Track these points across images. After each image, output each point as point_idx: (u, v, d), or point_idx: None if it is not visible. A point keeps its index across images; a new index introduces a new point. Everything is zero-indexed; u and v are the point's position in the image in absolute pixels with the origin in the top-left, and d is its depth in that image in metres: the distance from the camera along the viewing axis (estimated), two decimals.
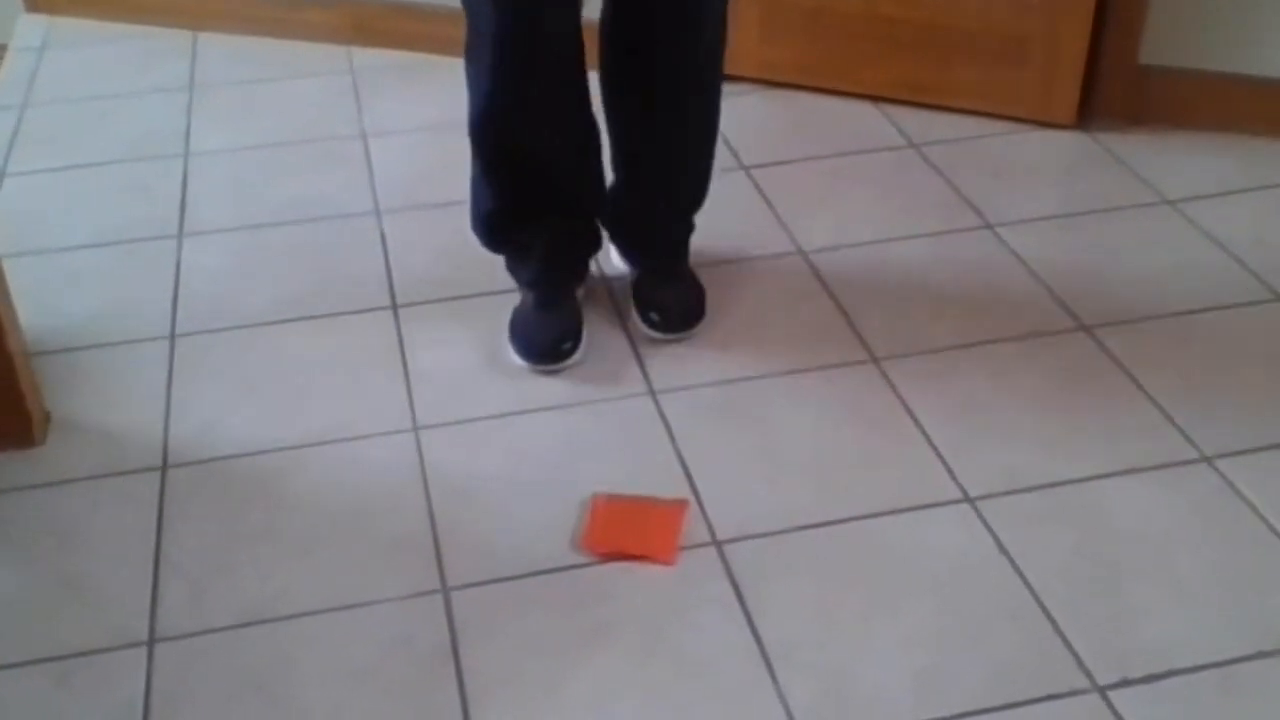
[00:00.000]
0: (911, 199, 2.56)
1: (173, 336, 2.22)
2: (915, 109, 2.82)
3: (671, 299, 2.19)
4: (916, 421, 2.00)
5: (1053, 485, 1.88)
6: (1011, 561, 1.76)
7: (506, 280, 2.25)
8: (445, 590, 1.74)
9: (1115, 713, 1.56)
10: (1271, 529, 1.80)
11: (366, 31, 3.12)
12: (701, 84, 2.10)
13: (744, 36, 2.89)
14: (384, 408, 2.05)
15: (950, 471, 1.90)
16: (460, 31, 1.96)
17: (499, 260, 2.23)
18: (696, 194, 2.21)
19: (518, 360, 2.10)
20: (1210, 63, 2.66)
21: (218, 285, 2.35)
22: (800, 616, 1.69)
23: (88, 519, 1.87)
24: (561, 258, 2.18)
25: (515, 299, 2.19)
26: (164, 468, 1.96)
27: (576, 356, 2.10)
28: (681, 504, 1.86)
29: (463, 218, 2.21)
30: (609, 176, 2.19)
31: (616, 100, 2.10)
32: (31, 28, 3.31)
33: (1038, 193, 2.60)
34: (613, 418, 2.00)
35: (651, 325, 2.15)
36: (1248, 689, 1.59)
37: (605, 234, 2.24)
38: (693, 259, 2.29)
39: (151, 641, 1.69)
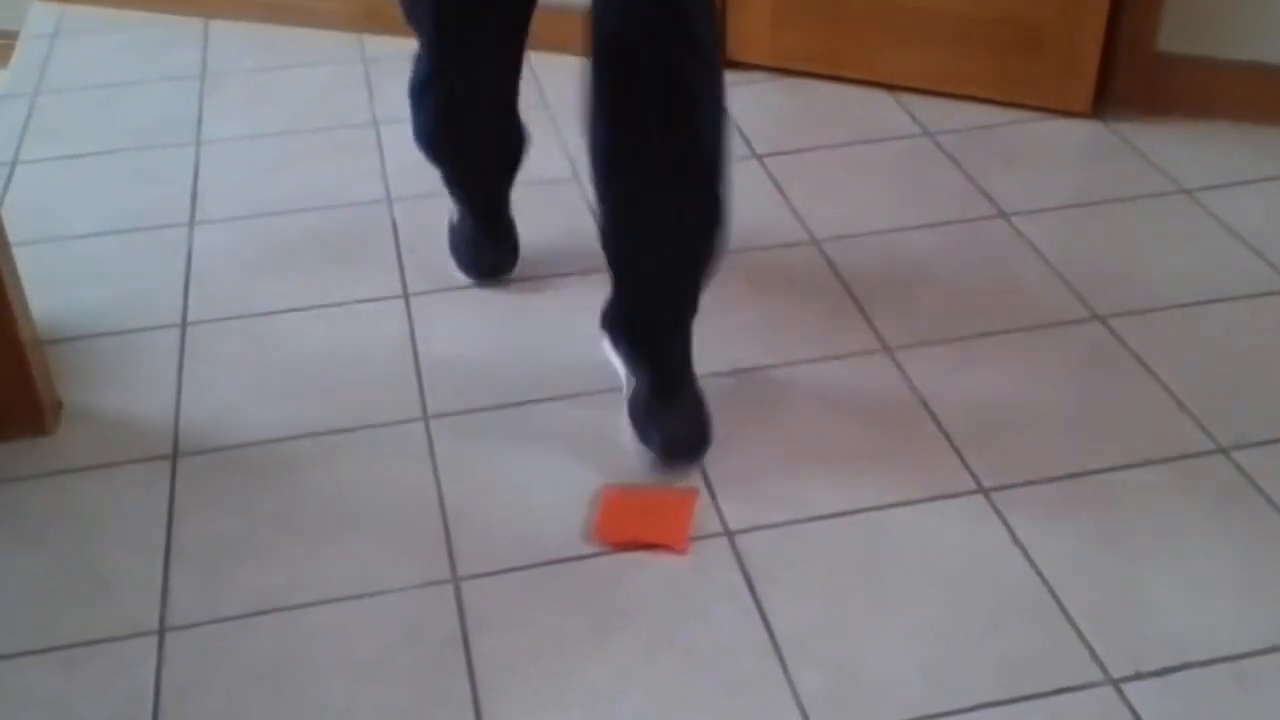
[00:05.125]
0: (925, 188, 2.54)
1: (184, 325, 2.22)
2: (930, 97, 2.81)
3: (676, 422, 1.90)
4: (930, 411, 1.99)
5: (1067, 476, 1.87)
6: (1025, 553, 1.75)
7: (519, 269, 2.27)
8: (456, 580, 1.74)
9: (1129, 705, 1.55)
10: None
11: (378, 19, 3.11)
12: (703, 165, 1.80)
13: (756, 24, 2.88)
14: (394, 396, 2.05)
15: (964, 462, 1.90)
16: None
17: None
18: (698, 290, 1.90)
19: (462, 277, 2.27)
20: (1228, 51, 2.64)
21: (229, 273, 2.35)
22: (812, 607, 1.69)
23: (99, 507, 1.87)
24: (491, 165, 2.23)
25: (528, 289, 2.19)
26: (175, 456, 1.95)
27: (517, 270, 2.28)
28: (692, 492, 1.85)
29: None
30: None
31: (612, 183, 1.81)
32: (43, 16, 3.31)
33: (1053, 182, 2.58)
34: (624, 407, 1.99)
35: (655, 451, 1.88)
36: (1262, 682, 1.58)
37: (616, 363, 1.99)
38: None
39: (162, 630, 1.69)
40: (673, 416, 1.90)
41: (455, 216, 2.31)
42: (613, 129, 1.75)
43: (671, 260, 1.86)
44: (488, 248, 2.28)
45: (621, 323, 1.95)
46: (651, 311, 1.93)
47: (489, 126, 2.15)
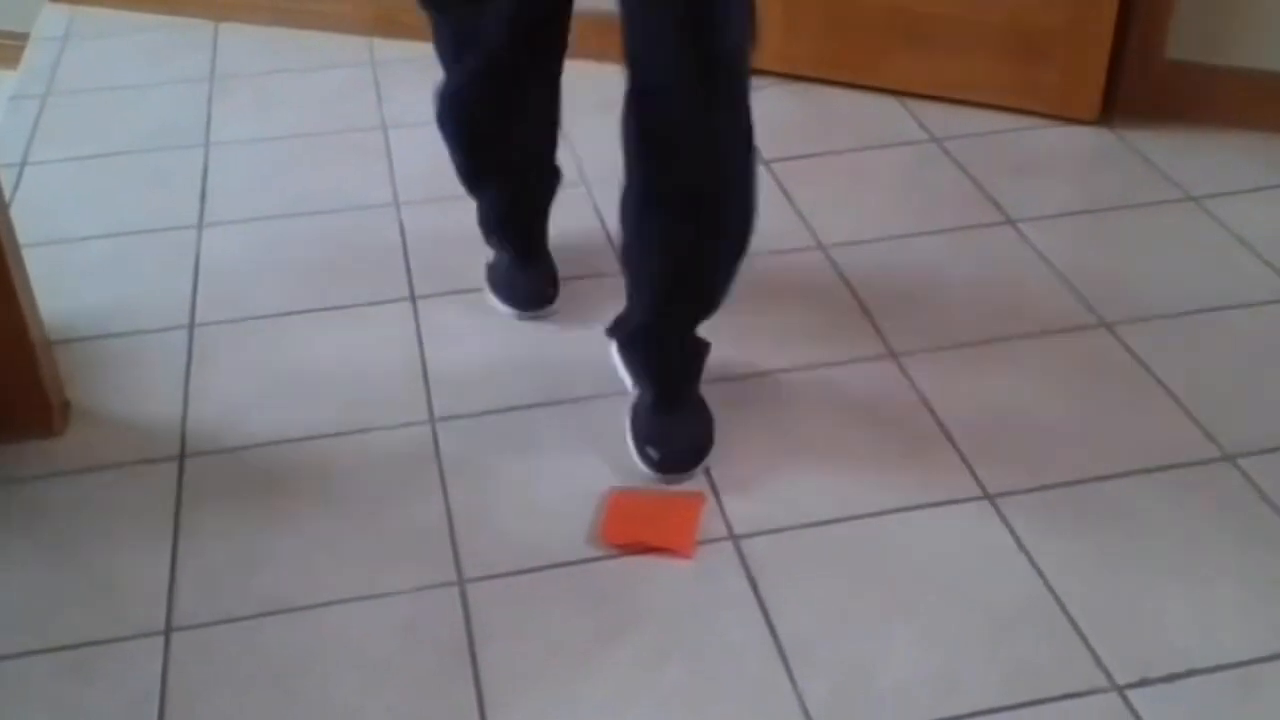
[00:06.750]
0: (933, 194, 2.54)
1: (192, 326, 2.23)
2: (938, 103, 2.81)
3: (673, 436, 1.91)
4: (936, 417, 1.99)
5: (1072, 483, 1.87)
6: (1030, 559, 1.75)
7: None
8: (461, 582, 1.74)
9: (1134, 712, 1.55)
10: None
11: (388, 23, 3.12)
12: (729, 178, 1.78)
13: (767, 30, 2.86)
14: (401, 399, 2.05)
15: (969, 468, 1.89)
16: None
17: None
18: (715, 304, 1.90)
19: (504, 309, 2.22)
20: (1236, 58, 2.64)
21: (237, 275, 2.35)
22: (817, 613, 1.69)
23: (106, 508, 1.87)
24: (521, 217, 2.22)
25: None
26: (182, 457, 1.96)
27: (558, 303, 2.21)
28: (698, 497, 1.85)
29: None
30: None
31: (643, 218, 1.82)
32: (54, 18, 3.32)
33: (1060, 188, 2.58)
34: (628, 414, 2.00)
35: (649, 463, 1.89)
36: (1268, 690, 1.58)
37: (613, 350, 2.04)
38: None
39: (168, 631, 1.69)
40: (671, 430, 1.91)
41: (492, 258, 2.28)
42: (645, 180, 1.77)
43: (690, 283, 1.86)
44: (531, 278, 2.23)
45: (633, 335, 1.96)
46: (665, 328, 1.92)
47: (539, 138, 2.11)
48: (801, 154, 2.67)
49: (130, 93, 2.99)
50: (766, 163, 2.64)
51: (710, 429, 1.94)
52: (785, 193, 2.54)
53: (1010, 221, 2.45)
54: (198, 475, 1.93)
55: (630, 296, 1.92)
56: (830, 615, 1.68)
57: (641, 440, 1.91)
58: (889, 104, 2.83)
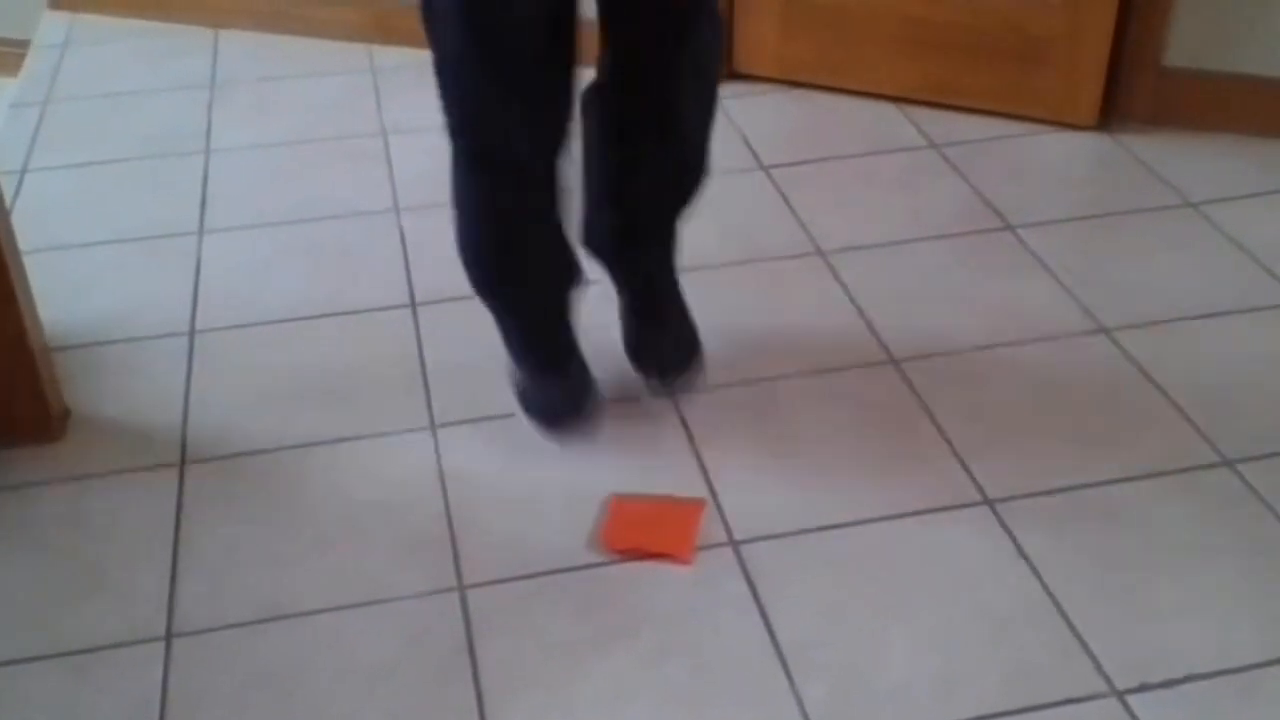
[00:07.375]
0: (931, 200, 2.55)
1: (192, 333, 2.23)
2: (936, 109, 2.81)
3: (668, 345, 2.05)
4: (935, 423, 1.99)
5: (1072, 488, 1.87)
6: (1030, 565, 1.75)
7: None
8: (461, 588, 1.74)
9: (1134, 717, 1.55)
10: None
11: (387, 29, 3.12)
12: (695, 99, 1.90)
13: (764, 35, 2.89)
14: (401, 405, 2.05)
15: (969, 474, 1.90)
16: None
17: None
18: (680, 216, 1.99)
19: (541, 433, 1.96)
20: (1235, 65, 2.64)
21: (237, 282, 2.35)
22: (817, 617, 1.69)
23: (107, 514, 1.88)
24: (548, 319, 1.98)
25: None
26: (182, 463, 1.96)
27: (598, 423, 1.96)
28: (699, 503, 1.85)
29: None
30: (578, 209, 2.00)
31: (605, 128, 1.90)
32: (54, 25, 3.32)
33: (1059, 194, 2.58)
34: (631, 417, 2.00)
35: (649, 377, 2.02)
36: (1268, 695, 1.58)
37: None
38: (710, 258, 2.28)
39: (169, 636, 1.69)
40: (659, 340, 2.03)
41: (517, 374, 2.01)
42: (614, 144, 1.89)
43: (662, 198, 1.97)
44: (566, 385, 1.97)
45: (609, 240, 2.01)
46: (642, 231, 2.00)
47: (556, 206, 1.88)
48: (800, 160, 2.68)
49: (130, 99, 2.99)
50: (766, 168, 2.64)
51: (696, 336, 2.05)
52: (784, 198, 2.54)
53: (1009, 227, 2.45)
54: (198, 481, 1.93)
55: (601, 204, 1.97)
56: (829, 620, 1.69)
57: (639, 359, 2.02)
58: (887, 110, 2.84)
